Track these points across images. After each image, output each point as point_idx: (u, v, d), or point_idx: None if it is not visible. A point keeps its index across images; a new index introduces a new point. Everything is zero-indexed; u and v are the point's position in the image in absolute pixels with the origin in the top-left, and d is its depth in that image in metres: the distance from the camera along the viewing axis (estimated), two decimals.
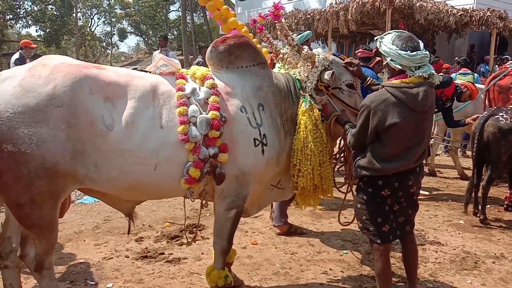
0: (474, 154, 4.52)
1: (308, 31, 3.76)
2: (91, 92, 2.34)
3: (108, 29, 41.38)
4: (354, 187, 3.12)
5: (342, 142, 3.07)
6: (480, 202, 4.65)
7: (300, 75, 2.91)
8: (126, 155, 2.40)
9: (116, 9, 40.46)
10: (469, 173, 6.96)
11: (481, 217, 4.59)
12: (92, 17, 40.00)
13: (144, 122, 2.44)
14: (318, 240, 4.15)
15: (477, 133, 4.43)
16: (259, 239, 4.16)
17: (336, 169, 3.12)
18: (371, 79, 3.02)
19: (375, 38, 2.55)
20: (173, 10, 39.68)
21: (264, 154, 2.71)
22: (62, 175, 2.31)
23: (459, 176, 6.86)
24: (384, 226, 2.65)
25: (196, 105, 2.55)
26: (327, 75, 2.82)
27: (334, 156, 3.06)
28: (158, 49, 9.68)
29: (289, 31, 2.86)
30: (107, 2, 39.89)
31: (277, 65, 3.25)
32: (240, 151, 2.65)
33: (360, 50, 5.66)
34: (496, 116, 4.39)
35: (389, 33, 2.51)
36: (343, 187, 3.17)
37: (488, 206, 5.00)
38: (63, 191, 2.39)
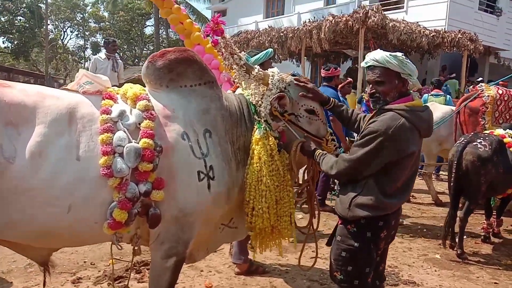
0: (452, 184, 4.19)
1: (268, 49, 3.34)
2: None
3: (81, 42, 40.52)
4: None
5: (306, 174, 2.63)
6: (457, 235, 4.31)
7: (253, 98, 2.50)
8: (31, 195, 1.92)
9: (90, 22, 39.69)
10: (443, 198, 6.72)
11: (458, 252, 4.23)
12: (64, 30, 39.12)
13: (56, 153, 1.96)
14: (282, 281, 3.69)
15: (455, 162, 4.10)
16: (215, 279, 3.66)
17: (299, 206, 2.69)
18: (334, 100, 2.63)
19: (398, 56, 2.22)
20: (148, 25, 39.20)
21: (210, 189, 2.26)
22: None
23: (433, 202, 6.57)
24: (369, 276, 2.26)
25: (124, 131, 2.09)
26: (274, 101, 2.42)
27: (296, 191, 2.64)
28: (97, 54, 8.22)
29: (236, 49, 2.44)
30: (81, 16, 39.11)
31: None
32: (180, 186, 2.19)
33: (322, 70, 5.47)
34: (475, 143, 4.09)
35: (395, 54, 2.19)
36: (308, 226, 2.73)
37: (465, 237, 4.66)
38: None
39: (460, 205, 4.44)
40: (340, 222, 2.30)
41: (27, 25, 31.32)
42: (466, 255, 4.29)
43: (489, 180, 4.08)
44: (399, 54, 2.20)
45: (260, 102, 2.49)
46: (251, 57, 3.13)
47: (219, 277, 3.72)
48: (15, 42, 30.94)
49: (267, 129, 2.41)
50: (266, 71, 2.55)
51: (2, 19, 30.48)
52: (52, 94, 2.10)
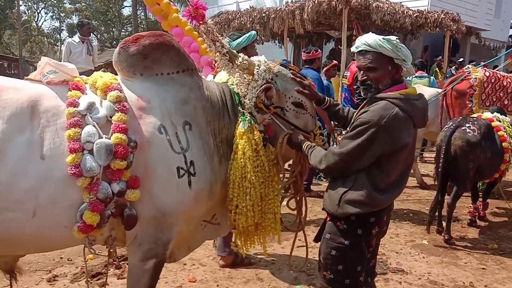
0: (440, 169, 4.11)
1: (251, 32, 3.12)
2: None
3: (57, 24, 39.17)
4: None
5: (294, 168, 2.47)
6: (444, 220, 4.26)
7: (238, 89, 2.31)
8: None
9: (65, 3, 38.31)
10: (427, 180, 6.70)
11: (445, 237, 4.19)
12: (38, 11, 37.72)
13: (17, 151, 1.76)
14: (268, 272, 3.58)
15: (444, 147, 4.01)
16: (198, 273, 3.53)
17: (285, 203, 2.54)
18: (330, 99, 2.46)
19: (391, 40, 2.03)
20: (126, 6, 38.09)
21: (191, 186, 2.09)
22: None
23: (418, 185, 6.54)
24: (362, 275, 2.13)
25: (94, 125, 1.89)
26: (261, 93, 2.24)
27: (283, 186, 2.48)
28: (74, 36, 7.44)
29: (218, 35, 2.22)
30: None
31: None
32: (158, 184, 2.02)
33: (303, 53, 5.49)
34: (463, 128, 3.99)
35: (388, 38, 2.02)
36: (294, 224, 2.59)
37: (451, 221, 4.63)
38: None
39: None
40: (328, 218, 2.16)
41: None
42: (454, 240, 4.25)
43: (477, 165, 4.02)
44: (393, 37, 2.04)
45: (245, 92, 2.31)
46: (233, 40, 2.93)
47: (203, 271, 3.59)
48: None
49: (252, 122, 2.23)
50: (251, 59, 2.34)
51: None
52: (11, 86, 1.88)
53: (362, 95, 2.12)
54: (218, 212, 2.43)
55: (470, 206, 4.86)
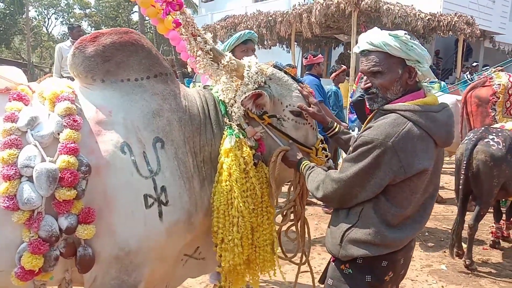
0: (460, 186, 3.66)
1: (245, 31, 2.72)
2: None
3: (67, 29, 39.41)
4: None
5: (292, 189, 2.07)
6: (465, 242, 3.81)
7: (224, 95, 1.93)
8: None
9: (75, 9, 38.57)
10: (443, 193, 6.23)
11: (466, 262, 3.74)
12: (49, 17, 38.01)
13: None
14: None
15: (465, 162, 3.57)
16: None
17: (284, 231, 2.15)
18: (338, 126, 2.04)
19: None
20: (135, 11, 38.11)
21: (162, 218, 1.71)
22: None
23: None
24: None
25: (35, 145, 1.52)
26: (247, 100, 1.85)
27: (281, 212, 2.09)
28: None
29: (200, 29, 1.85)
30: (65, 2, 37.97)
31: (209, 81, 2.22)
32: (120, 217, 1.64)
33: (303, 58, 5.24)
34: (486, 140, 3.54)
35: (395, 34, 1.60)
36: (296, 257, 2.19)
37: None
38: None
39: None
40: (332, 259, 1.76)
41: (7, 12, 30.14)
42: (476, 265, 3.80)
43: (502, 181, 3.57)
44: (401, 33, 1.61)
45: (232, 100, 1.92)
46: (222, 43, 2.55)
47: None
48: None
49: (240, 136, 1.85)
50: (240, 60, 1.97)
51: None
52: None
53: (368, 106, 1.71)
54: (202, 245, 2.04)
55: (492, 226, 4.40)
